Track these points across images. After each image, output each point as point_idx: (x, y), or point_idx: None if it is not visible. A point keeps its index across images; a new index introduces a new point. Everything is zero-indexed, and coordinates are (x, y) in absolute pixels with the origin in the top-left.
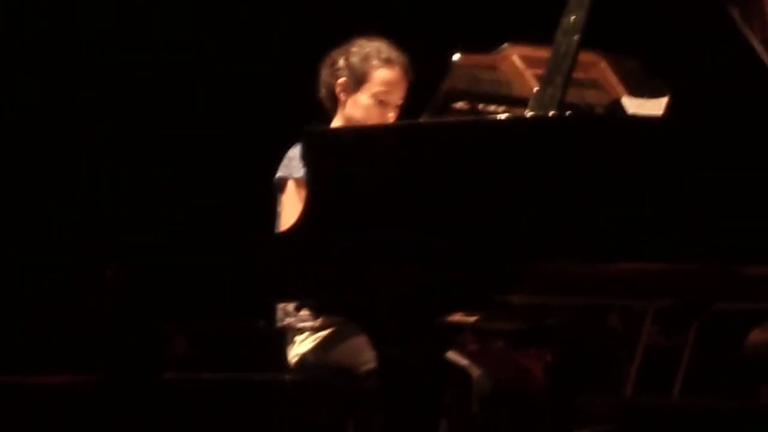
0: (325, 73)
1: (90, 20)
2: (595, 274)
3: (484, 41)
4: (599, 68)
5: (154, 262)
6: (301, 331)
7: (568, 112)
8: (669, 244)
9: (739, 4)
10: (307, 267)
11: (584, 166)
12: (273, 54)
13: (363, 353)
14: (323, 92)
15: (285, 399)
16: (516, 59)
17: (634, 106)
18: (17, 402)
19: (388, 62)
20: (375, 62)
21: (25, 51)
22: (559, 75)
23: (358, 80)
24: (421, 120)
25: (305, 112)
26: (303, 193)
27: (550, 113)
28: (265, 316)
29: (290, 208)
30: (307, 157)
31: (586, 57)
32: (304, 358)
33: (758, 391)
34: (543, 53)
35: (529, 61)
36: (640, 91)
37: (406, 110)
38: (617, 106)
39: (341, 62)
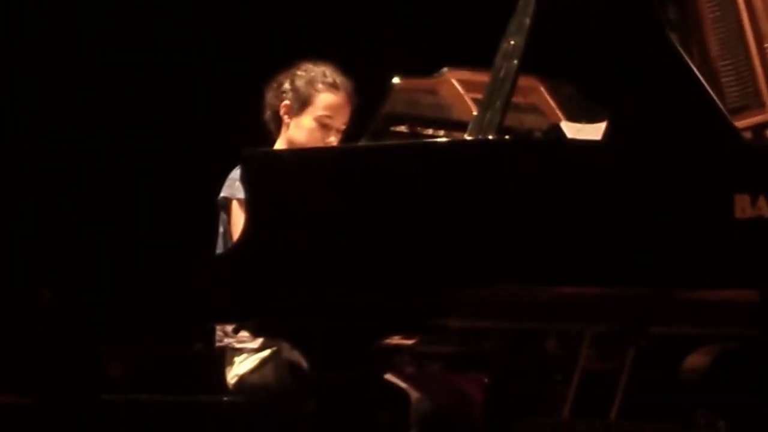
0: (270, 95)
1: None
2: (532, 298)
3: (423, 65)
4: (538, 93)
5: (91, 284)
6: (239, 351)
7: (507, 136)
8: (606, 269)
9: (678, 30)
10: (244, 289)
11: (523, 191)
12: (215, 75)
13: (302, 374)
14: (267, 114)
15: (223, 420)
16: (455, 83)
17: (573, 130)
18: None
19: (332, 87)
20: (320, 86)
21: None
22: (498, 99)
23: (302, 103)
24: (360, 143)
25: (248, 134)
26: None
27: (489, 137)
28: (203, 338)
29: (239, 228)
30: (246, 180)
31: (525, 82)
32: (242, 380)
33: (695, 414)
34: (482, 77)
35: (468, 85)
36: (579, 116)
37: (345, 133)
38: (556, 130)
39: (286, 85)
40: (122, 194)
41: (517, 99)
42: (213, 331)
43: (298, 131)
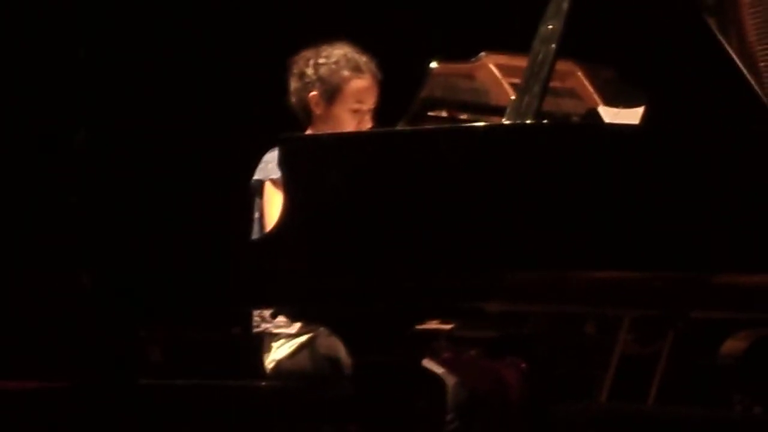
0: (294, 85)
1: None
2: (571, 282)
3: (462, 49)
4: (576, 77)
5: (131, 268)
6: (277, 337)
7: (544, 121)
8: (645, 253)
9: (716, 14)
10: (283, 274)
11: (561, 175)
12: (248, 58)
13: (339, 360)
14: (294, 101)
15: (260, 405)
16: (493, 68)
17: (611, 115)
18: None
19: (358, 71)
20: (346, 73)
21: None
22: (536, 84)
23: (331, 94)
24: (398, 127)
25: (280, 117)
26: (281, 192)
27: (527, 121)
28: (241, 323)
29: (273, 207)
30: (284, 164)
31: (563, 66)
32: (280, 365)
33: (731, 399)
34: (520, 62)
35: (506, 70)
36: (617, 100)
37: (383, 117)
38: (594, 115)
39: (310, 73)
40: (161, 177)
41: (555, 83)
42: (250, 316)
43: (332, 122)
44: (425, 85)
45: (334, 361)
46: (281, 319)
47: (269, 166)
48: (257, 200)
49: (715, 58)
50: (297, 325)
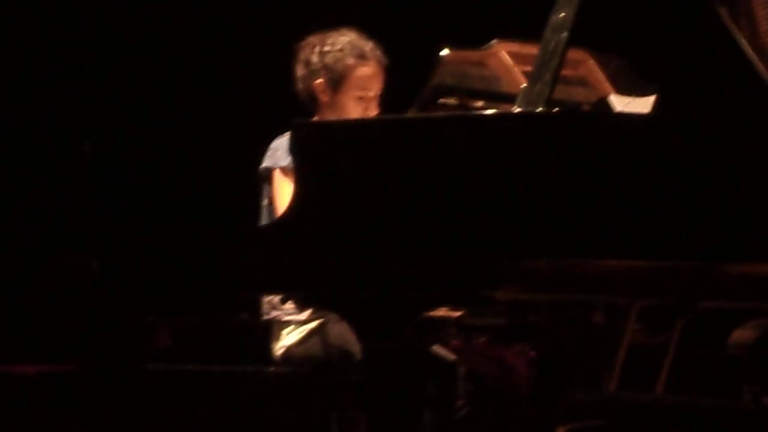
0: (301, 72)
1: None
2: (580, 270)
3: (473, 37)
4: (587, 66)
5: (139, 254)
6: (286, 323)
7: (555, 109)
8: (654, 242)
9: (727, 4)
10: (293, 260)
11: (571, 163)
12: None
13: (348, 346)
14: (300, 87)
15: (269, 391)
16: (504, 55)
17: (621, 104)
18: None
19: (362, 58)
20: (351, 60)
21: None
22: (547, 72)
23: (337, 81)
24: (409, 114)
25: (287, 106)
26: (290, 180)
27: (538, 110)
28: (250, 309)
29: (283, 195)
30: (295, 150)
31: (574, 54)
32: (289, 351)
33: (741, 389)
34: (531, 50)
35: (517, 58)
36: (627, 89)
37: (393, 105)
38: (604, 103)
39: (316, 60)
40: (169, 164)
41: (566, 72)
42: (259, 302)
43: (338, 110)
44: (436, 73)
45: (343, 348)
46: (290, 306)
47: (278, 153)
48: (265, 187)
49: (726, 48)
50: (307, 312)
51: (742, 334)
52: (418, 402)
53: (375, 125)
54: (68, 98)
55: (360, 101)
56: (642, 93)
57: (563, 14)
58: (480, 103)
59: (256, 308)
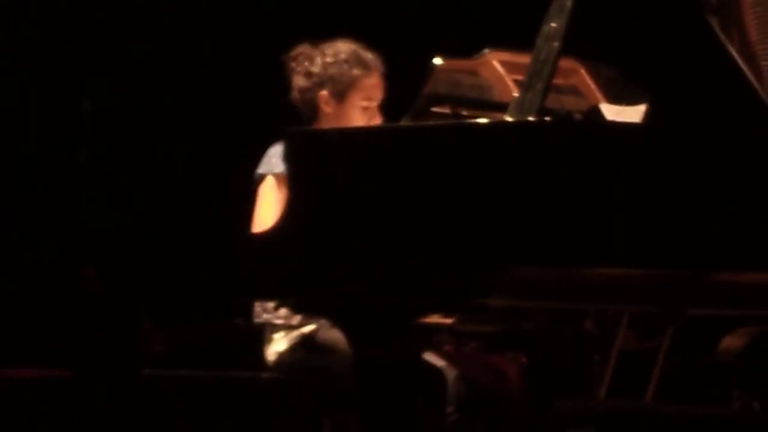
0: (301, 84)
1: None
2: (571, 279)
3: (465, 46)
4: (579, 75)
5: (135, 260)
6: (279, 328)
7: (547, 118)
8: (645, 250)
9: (718, 13)
10: (286, 267)
11: (563, 172)
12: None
13: (340, 352)
14: (300, 100)
15: (262, 397)
16: (496, 64)
17: (613, 113)
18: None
19: (366, 68)
20: (355, 72)
21: None
22: (539, 81)
23: (342, 92)
24: (402, 123)
25: (283, 112)
26: (282, 189)
27: (530, 118)
28: (243, 315)
29: (264, 202)
30: (289, 158)
31: (565, 63)
32: (281, 356)
33: (730, 396)
34: (523, 59)
35: (509, 67)
36: (619, 98)
37: (387, 113)
38: (596, 112)
39: (319, 72)
40: (164, 170)
41: (558, 81)
42: (252, 308)
43: (342, 120)
44: (429, 82)
45: (335, 354)
46: (283, 310)
47: (273, 160)
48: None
49: (716, 57)
50: (298, 317)
51: (731, 342)
52: (409, 408)
53: (369, 134)
54: (64, 103)
55: (365, 111)
56: (633, 102)
57: (555, 24)
58: (472, 112)
59: (249, 314)
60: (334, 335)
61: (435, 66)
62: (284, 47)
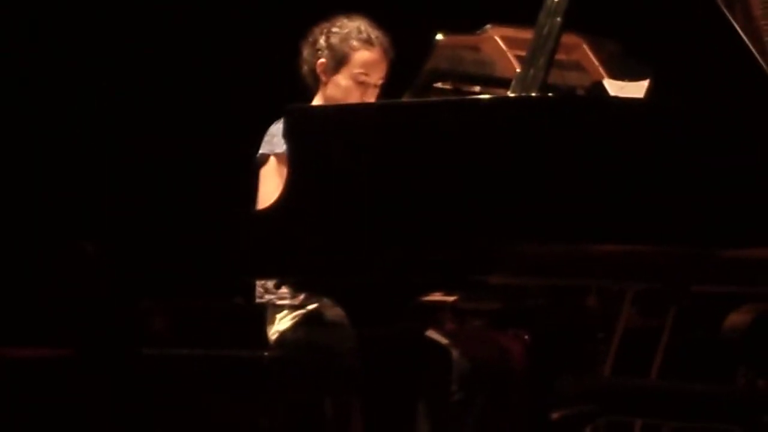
0: (306, 52)
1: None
2: (574, 255)
3: (467, 21)
4: (581, 50)
5: (135, 238)
6: (281, 308)
7: (549, 94)
8: (648, 227)
9: None
10: (287, 245)
11: (565, 148)
12: (254, 32)
13: (342, 331)
14: (305, 69)
15: (264, 376)
16: (498, 40)
17: (616, 88)
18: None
19: (367, 43)
20: (355, 43)
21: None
22: (541, 56)
23: (338, 61)
24: (404, 99)
25: (286, 90)
26: (283, 168)
27: (532, 94)
28: (244, 294)
29: (268, 182)
30: (288, 135)
31: (568, 39)
32: (283, 336)
33: (734, 373)
34: (525, 34)
35: (511, 42)
36: (621, 73)
37: (389, 89)
38: (599, 87)
39: (322, 42)
40: (165, 148)
41: (560, 56)
42: (253, 287)
43: (335, 90)
44: (431, 58)
45: (337, 333)
46: (285, 290)
47: (275, 139)
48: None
49: (720, 32)
50: (301, 296)
51: (736, 318)
52: (412, 387)
53: (369, 110)
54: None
55: (359, 85)
56: (636, 77)
57: None
58: (474, 88)
59: (250, 292)
60: (337, 313)
61: (437, 42)
62: (284, 27)
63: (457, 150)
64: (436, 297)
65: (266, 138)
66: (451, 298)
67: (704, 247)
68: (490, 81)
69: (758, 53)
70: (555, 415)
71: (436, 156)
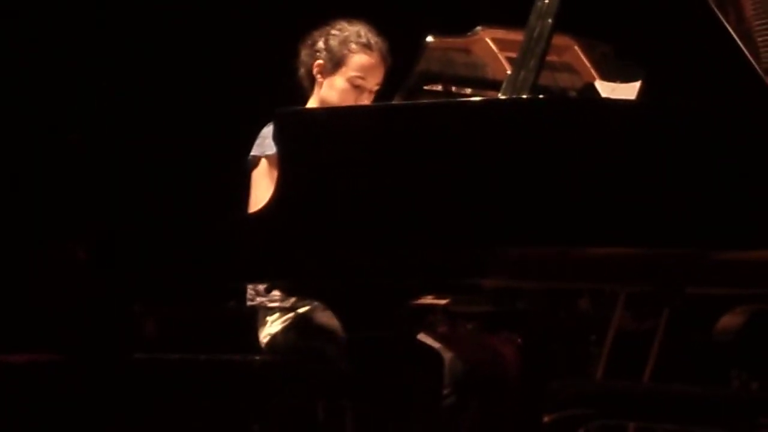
0: (304, 53)
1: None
2: (566, 258)
3: (457, 23)
4: (572, 52)
5: (127, 243)
6: (272, 311)
7: (541, 96)
8: (641, 229)
9: None
10: (277, 249)
11: (557, 150)
12: (247, 34)
13: (333, 334)
14: (302, 71)
15: (255, 379)
16: (489, 42)
17: (607, 90)
18: None
19: (365, 47)
20: (353, 46)
21: None
22: (532, 58)
23: (335, 63)
24: (394, 102)
25: (280, 92)
26: (275, 170)
27: (524, 96)
28: (236, 297)
29: (259, 184)
30: (278, 138)
31: (559, 40)
32: (274, 339)
33: (729, 375)
34: (516, 36)
35: (502, 44)
36: (613, 75)
37: (378, 91)
38: (590, 89)
39: (320, 44)
40: (157, 152)
41: (552, 58)
42: (244, 290)
43: (330, 91)
44: (421, 59)
45: (329, 336)
46: (276, 293)
47: (266, 141)
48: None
49: (712, 33)
50: (292, 299)
51: (729, 320)
52: (404, 390)
53: (359, 113)
54: (55, 85)
55: (354, 89)
56: (628, 79)
57: (548, 0)
58: (465, 90)
59: (242, 296)
60: (329, 317)
61: (427, 43)
62: (278, 29)
63: (447, 153)
64: (428, 300)
65: (258, 140)
66: (443, 302)
67: (697, 249)
68: (480, 83)
69: (750, 54)
70: (547, 419)
71: (427, 159)
